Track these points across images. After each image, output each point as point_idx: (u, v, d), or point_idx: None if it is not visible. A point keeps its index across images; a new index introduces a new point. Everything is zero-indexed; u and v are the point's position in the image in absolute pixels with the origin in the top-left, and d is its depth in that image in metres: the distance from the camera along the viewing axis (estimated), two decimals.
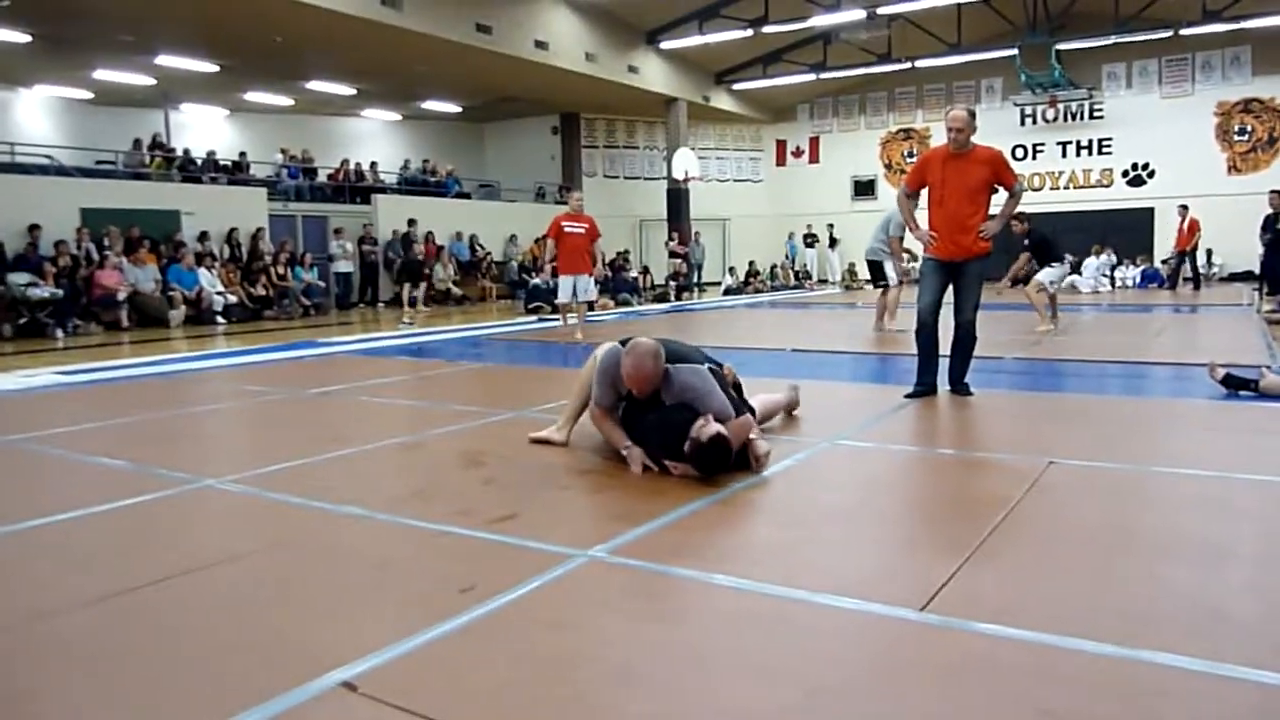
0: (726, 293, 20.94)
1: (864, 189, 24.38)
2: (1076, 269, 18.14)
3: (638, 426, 3.79)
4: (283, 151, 18.94)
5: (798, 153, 25.58)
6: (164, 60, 15.52)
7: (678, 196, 21.19)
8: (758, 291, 21.03)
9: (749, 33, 18.29)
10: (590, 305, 13.81)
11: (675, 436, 3.53)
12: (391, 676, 1.97)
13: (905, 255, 12.71)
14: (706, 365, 3.94)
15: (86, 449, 4.48)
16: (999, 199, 5.51)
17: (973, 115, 5.35)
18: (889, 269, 10.08)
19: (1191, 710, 1.79)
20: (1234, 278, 19.17)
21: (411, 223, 17.79)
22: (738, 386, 4.18)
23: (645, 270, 20.81)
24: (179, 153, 17.22)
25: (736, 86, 22.55)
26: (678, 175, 20.46)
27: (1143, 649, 2.02)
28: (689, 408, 3.63)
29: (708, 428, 3.50)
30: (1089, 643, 2.06)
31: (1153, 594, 2.39)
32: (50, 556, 2.89)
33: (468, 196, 21.26)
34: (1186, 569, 2.55)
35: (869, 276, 10.62)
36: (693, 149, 21.57)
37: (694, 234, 21.60)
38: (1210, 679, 1.89)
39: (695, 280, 21.47)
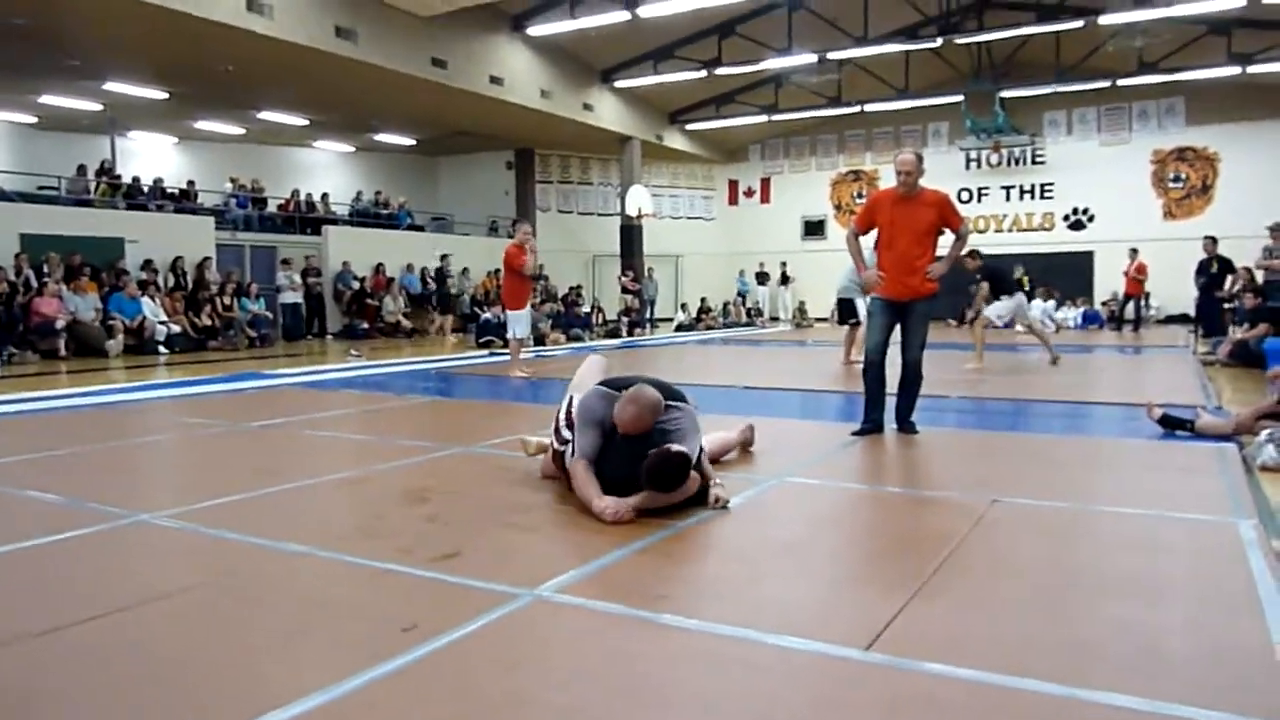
0: (679, 329, 21.05)
1: (814, 229, 24.74)
2: (1030, 297, 18.62)
3: (616, 465, 3.64)
4: (232, 181, 18.71)
5: (749, 192, 25.93)
6: (112, 86, 15.28)
7: (631, 233, 21.31)
8: (710, 328, 21.15)
9: (703, 74, 18.56)
10: (540, 340, 13.74)
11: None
12: (328, 718, 1.91)
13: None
14: (684, 398, 3.95)
15: (17, 482, 4.33)
16: (946, 240, 5.62)
17: (920, 159, 5.46)
18: (860, 306, 10.27)
19: None
20: (1170, 320, 19.73)
21: (444, 257, 18.98)
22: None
23: (597, 306, 20.84)
24: (126, 180, 16.92)
25: (690, 126, 22.84)
26: (631, 212, 20.61)
27: (1083, 688, 2.04)
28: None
29: (673, 446, 3.52)
30: (1030, 681, 2.07)
31: (1093, 632, 2.41)
32: None
33: (420, 229, 21.16)
34: (1125, 607, 2.59)
35: (838, 314, 10.92)
36: (646, 186, 21.75)
37: (647, 270, 21.72)
38: (1148, 718, 1.91)
39: (648, 316, 21.55)
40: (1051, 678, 2.09)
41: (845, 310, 10.56)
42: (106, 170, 16.60)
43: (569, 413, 3.93)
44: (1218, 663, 2.21)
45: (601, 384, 3.87)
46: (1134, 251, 17.54)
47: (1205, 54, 17.37)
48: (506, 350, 10.74)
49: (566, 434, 3.88)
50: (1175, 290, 18.05)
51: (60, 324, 12.35)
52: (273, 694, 2.01)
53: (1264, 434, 4.75)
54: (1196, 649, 2.30)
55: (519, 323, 9.87)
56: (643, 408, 3.61)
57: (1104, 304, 19.78)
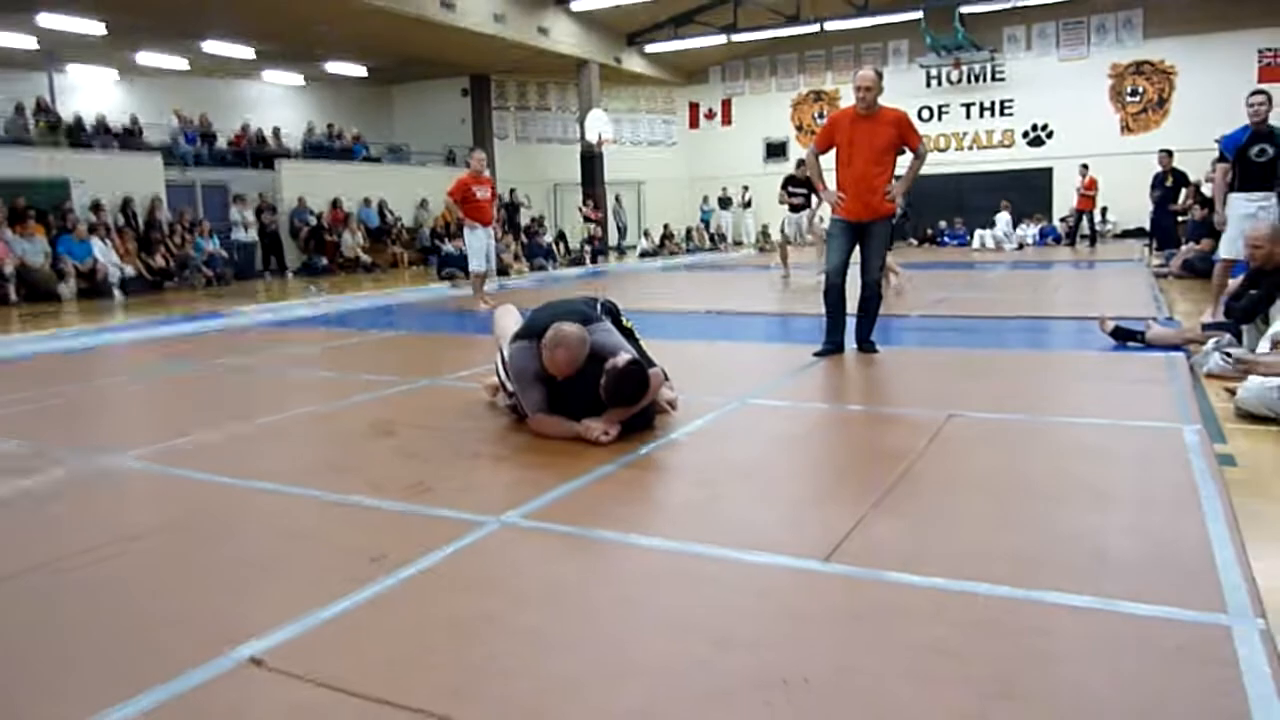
0: (642, 256, 20.96)
1: (776, 151, 24.56)
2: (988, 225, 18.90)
3: (574, 405, 3.65)
4: (177, 115, 18.13)
5: (710, 114, 25.61)
6: (47, 19, 14.65)
7: (591, 160, 21.04)
8: (673, 254, 21.08)
9: None
10: (503, 270, 13.60)
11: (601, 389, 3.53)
12: (300, 649, 1.96)
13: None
14: (600, 306, 3.97)
15: None
16: (904, 160, 5.62)
17: (879, 76, 5.44)
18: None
19: (1074, 643, 1.90)
20: (1127, 234, 19.96)
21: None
22: (631, 334, 4.06)
23: (560, 235, 20.64)
24: (67, 118, 16.34)
25: (648, 49, 22.40)
26: (591, 138, 20.30)
27: (1031, 589, 2.13)
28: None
29: (619, 359, 3.54)
30: (982, 585, 2.16)
31: (1042, 537, 2.51)
32: None
33: (376, 161, 20.74)
34: (1074, 513, 2.69)
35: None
36: (606, 110, 21.41)
37: (615, 197, 21.55)
38: (1092, 614, 2.01)
39: (622, 243, 21.44)
40: (1002, 581, 2.18)
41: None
42: (44, 108, 16.02)
43: (506, 372, 3.87)
44: (1159, 561, 2.32)
45: (519, 336, 3.78)
46: (1084, 168, 17.71)
47: None
48: (468, 281, 10.62)
49: (511, 388, 3.85)
50: (1132, 204, 18.20)
51: (8, 269, 12.04)
52: (245, 626, 2.04)
53: (1210, 343, 4.88)
54: (1139, 549, 2.40)
55: (476, 254, 9.72)
56: (570, 348, 3.55)
57: (1062, 220, 19.94)
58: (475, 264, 9.72)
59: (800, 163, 12.02)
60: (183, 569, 2.49)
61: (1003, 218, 18.76)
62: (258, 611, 2.15)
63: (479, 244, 9.61)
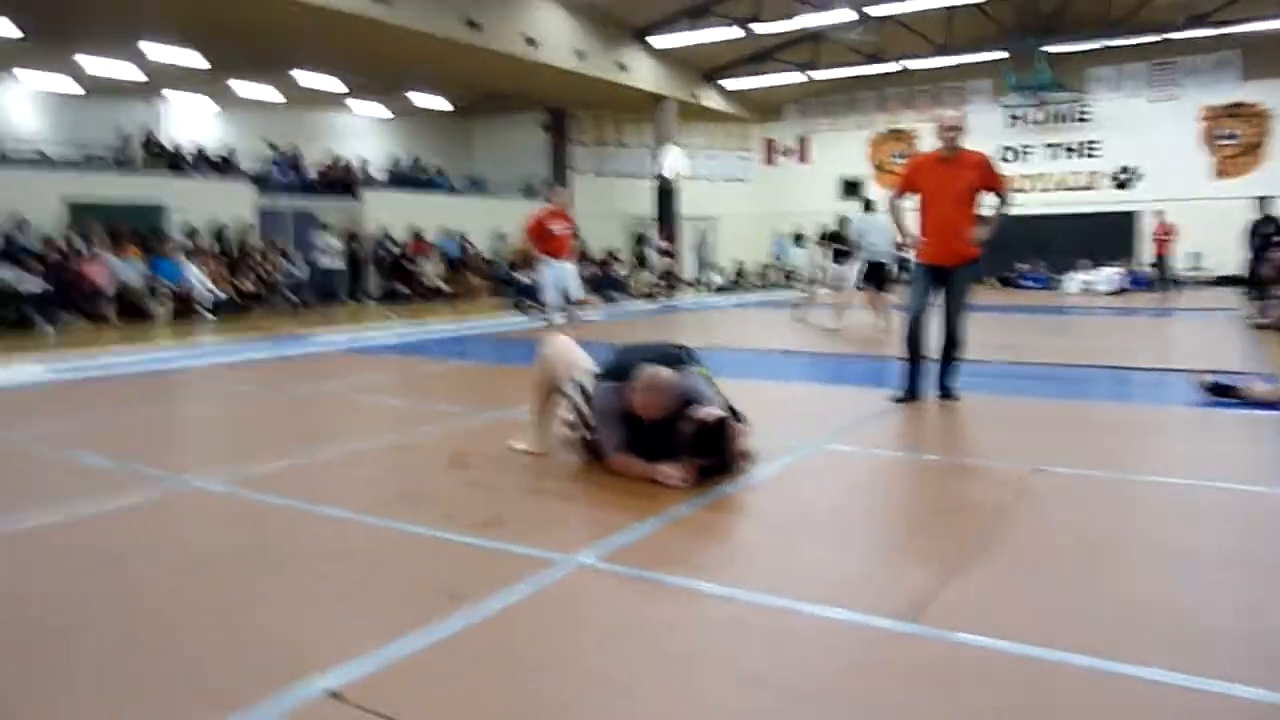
0: (717, 291, 20.96)
1: (852, 189, 24.38)
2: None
3: (655, 447, 3.61)
4: (271, 146, 18.81)
5: (787, 151, 25.57)
6: (151, 50, 15.39)
7: (666, 194, 21.17)
8: (746, 291, 21.02)
9: (739, 31, 18.27)
10: (578, 303, 13.67)
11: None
12: (378, 685, 1.97)
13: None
14: (688, 353, 3.94)
15: (72, 444, 4.46)
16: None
17: (963, 117, 5.37)
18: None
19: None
20: (1221, 281, 19.27)
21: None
22: (710, 381, 3.98)
23: (634, 269, 20.75)
24: (168, 147, 17.10)
25: (726, 85, 22.54)
26: (667, 173, 20.45)
27: (1118, 661, 2.04)
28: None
29: (711, 410, 3.53)
30: (1066, 654, 2.08)
31: (1132, 604, 2.41)
32: (22, 557, 2.87)
33: (457, 193, 21.19)
34: (1165, 579, 2.58)
35: (871, 278, 10.91)
36: (682, 146, 21.55)
37: (702, 233, 21.80)
38: (1185, 692, 1.91)
39: (706, 276, 21.67)
40: (1088, 651, 2.09)
41: (876, 273, 10.73)
42: (150, 138, 16.77)
43: (584, 403, 3.84)
44: (1255, 637, 2.20)
45: (607, 374, 3.75)
46: (1159, 213, 17.25)
47: (1260, 5, 16.77)
48: (544, 313, 10.74)
49: (586, 425, 3.82)
50: (1226, 251, 17.58)
51: (110, 290, 12.58)
52: (318, 658, 2.06)
53: None
54: (1234, 622, 2.28)
55: (547, 288, 9.81)
56: (661, 392, 3.56)
57: (1152, 265, 19.35)
58: (549, 296, 9.84)
59: (844, 219, 12.01)
60: (257, 595, 2.53)
61: (1106, 271, 18.35)
62: (332, 641, 2.17)
63: (551, 278, 9.73)
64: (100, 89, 17.40)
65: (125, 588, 2.57)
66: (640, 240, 21.75)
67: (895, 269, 10.90)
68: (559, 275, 9.84)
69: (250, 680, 1.98)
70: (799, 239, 24.47)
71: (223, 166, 17.41)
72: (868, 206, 11.25)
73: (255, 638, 2.24)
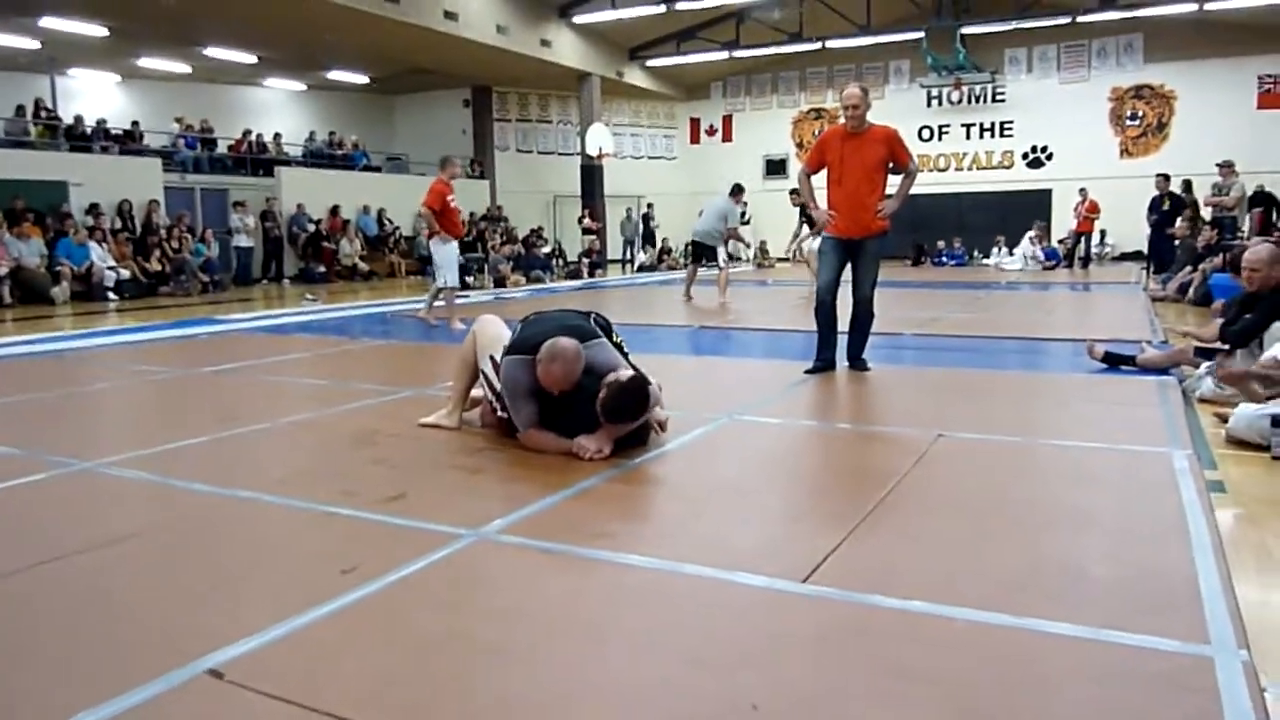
0: (640, 269, 20.97)
1: (776, 168, 24.59)
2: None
3: (567, 421, 3.58)
4: (178, 121, 18.14)
5: (711, 130, 25.66)
6: (49, 22, 14.67)
7: (591, 172, 21.07)
8: (671, 268, 21.07)
9: (661, 9, 18.21)
10: (500, 281, 13.45)
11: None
12: (263, 662, 1.91)
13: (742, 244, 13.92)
14: (593, 319, 3.88)
15: None
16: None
17: (866, 93, 5.44)
18: (721, 253, 11.70)
19: (1052, 670, 1.86)
20: (1124, 257, 19.97)
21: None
22: (622, 350, 3.95)
23: (558, 247, 20.63)
24: (67, 121, 16.34)
25: (650, 63, 22.48)
26: (591, 151, 20.34)
27: (1011, 614, 2.09)
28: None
29: (620, 373, 3.50)
30: (961, 609, 2.12)
31: (1023, 562, 2.47)
32: None
33: (376, 170, 20.75)
34: (1057, 537, 2.65)
35: (693, 255, 12.16)
36: (607, 124, 21.45)
37: (628, 210, 21.76)
38: (1072, 641, 1.97)
39: (645, 255, 21.77)
40: (982, 605, 2.14)
41: (703, 252, 11.89)
42: (44, 110, 16.01)
43: (497, 384, 3.79)
44: (1143, 588, 2.27)
45: (512, 349, 3.68)
46: (1083, 191, 17.76)
47: None
48: (466, 291, 10.15)
49: (501, 399, 3.76)
50: (1130, 228, 18.22)
51: (3, 270, 12.02)
52: (206, 639, 2.00)
53: (1204, 366, 4.85)
54: (1123, 575, 2.36)
55: (451, 268, 8.97)
56: (566, 362, 3.47)
57: (1060, 241, 19.95)
58: (451, 278, 9.03)
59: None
60: (152, 577, 2.45)
61: (1025, 242, 18.81)
62: (223, 622, 2.10)
63: (454, 257, 9.05)
64: None
65: (13, 571, 2.45)
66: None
67: (723, 252, 11.77)
68: (457, 255, 9.15)
69: (132, 663, 1.91)
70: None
71: (126, 142, 16.72)
72: (735, 191, 11.99)
73: (150, 616, 2.16)
